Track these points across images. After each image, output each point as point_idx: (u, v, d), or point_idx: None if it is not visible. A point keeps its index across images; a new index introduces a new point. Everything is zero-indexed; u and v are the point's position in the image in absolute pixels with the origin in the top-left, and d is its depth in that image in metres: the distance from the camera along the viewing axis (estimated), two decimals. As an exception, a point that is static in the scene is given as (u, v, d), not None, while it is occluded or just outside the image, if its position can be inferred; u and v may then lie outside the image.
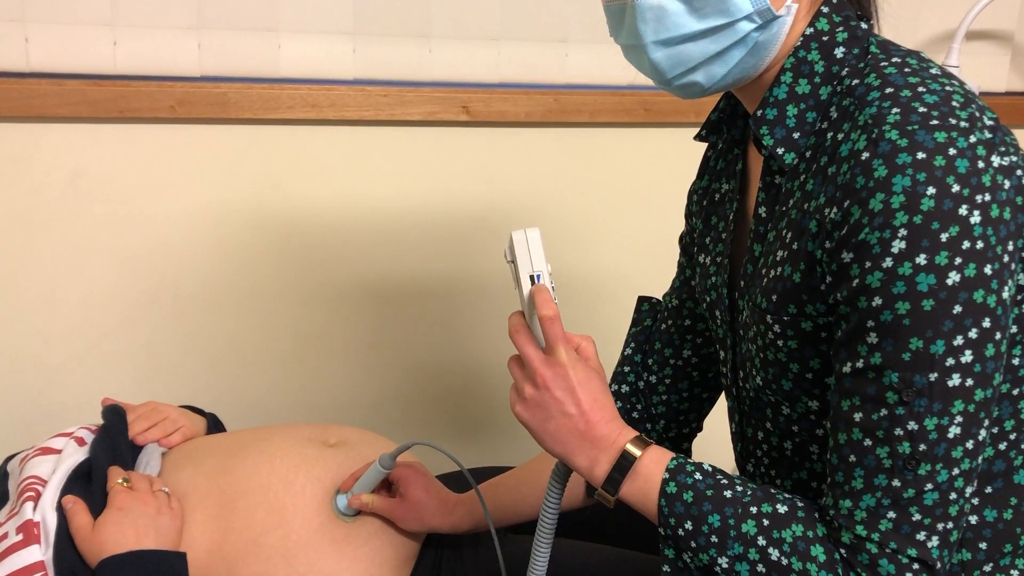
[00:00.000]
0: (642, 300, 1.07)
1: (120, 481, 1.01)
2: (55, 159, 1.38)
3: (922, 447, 0.69)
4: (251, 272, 1.51)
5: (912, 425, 0.69)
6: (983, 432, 0.70)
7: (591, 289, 1.69)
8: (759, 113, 0.79)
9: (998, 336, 0.69)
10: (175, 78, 1.39)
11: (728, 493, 0.76)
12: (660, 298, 1.07)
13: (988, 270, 0.68)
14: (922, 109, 0.69)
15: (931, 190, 0.66)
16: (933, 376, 0.68)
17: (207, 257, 1.48)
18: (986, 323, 0.68)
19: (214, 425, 1.29)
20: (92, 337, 1.47)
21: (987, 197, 0.67)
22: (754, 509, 0.75)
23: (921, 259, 0.67)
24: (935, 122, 0.68)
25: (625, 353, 1.06)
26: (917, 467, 0.69)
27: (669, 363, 1.02)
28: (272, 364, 1.57)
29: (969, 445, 0.70)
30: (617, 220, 1.67)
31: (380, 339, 1.61)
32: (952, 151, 0.67)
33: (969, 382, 0.68)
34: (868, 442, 0.71)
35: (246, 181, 1.47)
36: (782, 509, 0.75)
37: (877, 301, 0.69)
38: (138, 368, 1.50)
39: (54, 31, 1.34)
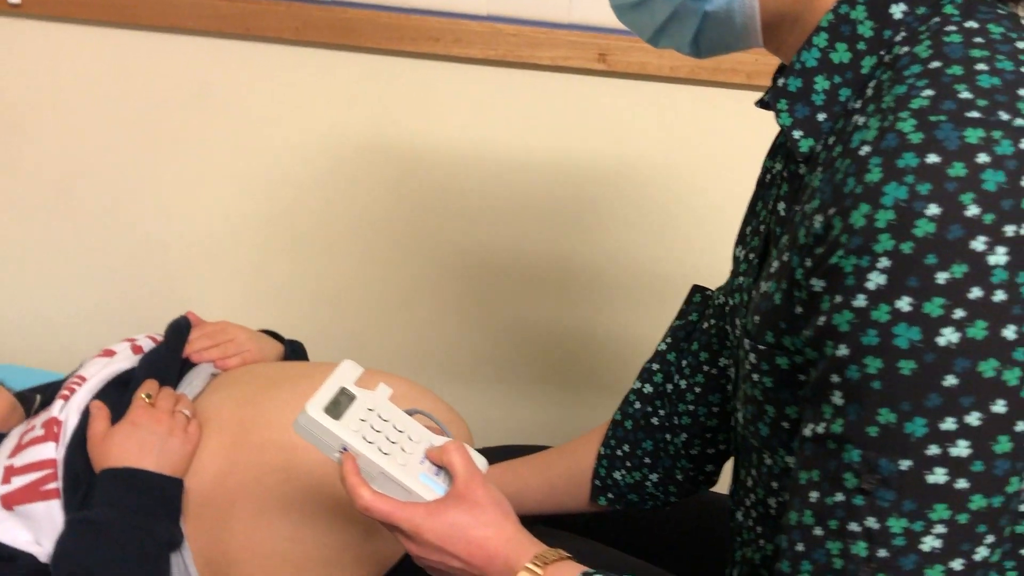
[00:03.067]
0: (695, 290, 0.91)
1: (143, 396, 1.01)
2: (183, 71, 1.41)
3: (882, 553, 0.51)
4: (362, 208, 1.48)
5: (871, 522, 0.52)
6: (983, 550, 0.51)
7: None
8: (780, 82, 0.62)
9: (1021, 427, 0.49)
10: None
11: None
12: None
13: (1010, 333, 0.48)
14: (965, 95, 0.50)
15: (932, 209, 0.48)
16: (905, 464, 0.50)
17: (321, 186, 1.47)
18: (998, 407, 0.49)
19: (293, 353, 1.27)
20: (208, 250, 1.51)
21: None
22: None
23: (904, 303, 0.49)
24: (974, 114, 0.49)
25: (659, 348, 0.91)
26: None
27: (702, 369, 0.86)
28: (375, 305, 1.54)
29: (956, 566, 0.51)
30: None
31: (487, 294, 1.53)
32: (984, 158, 0.48)
33: (962, 484, 0.50)
34: (819, 531, 0.54)
35: (364, 112, 1.43)
36: None
37: (843, 351, 0.52)
38: (247, 287, 1.53)
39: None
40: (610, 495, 0.91)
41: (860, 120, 0.55)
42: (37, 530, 0.94)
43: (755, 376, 0.63)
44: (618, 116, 1.42)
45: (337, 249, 1.50)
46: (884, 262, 0.49)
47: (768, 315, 0.61)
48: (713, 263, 1.48)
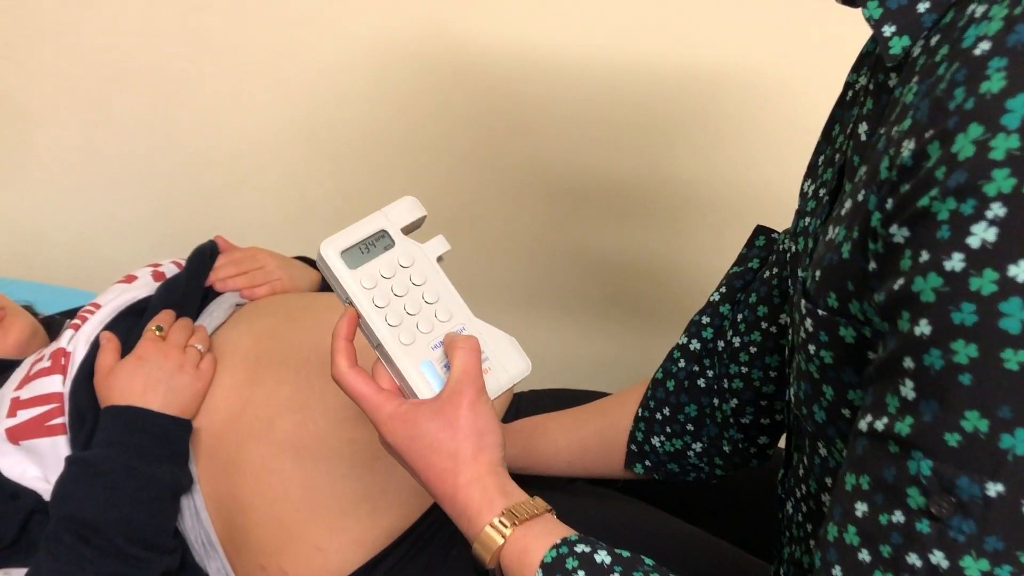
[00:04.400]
0: (758, 232, 0.77)
1: (154, 328, 0.94)
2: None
3: None
4: (409, 121, 1.37)
5: (938, 557, 0.39)
6: None
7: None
8: None
9: None
10: None
11: None
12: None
13: None
14: None
15: None
16: (995, 489, 0.38)
17: (366, 97, 1.36)
18: None
19: (332, 282, 1.19)
20: (250, 165, 1.43)
21: None
22: None
23: (1020, 271, 0.36)
24: None
25: (712, 298, 0.78)
26: None
27: (760, 326, 0.73)
28: (425, 227, 1.44)
29: None
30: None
31: (545, 215, 1.41)
32: None
33: None
34: (865, 556, 0.42)
35: (411, 16, 1.31)
36: None
37: (924, 328, 0.39)
38: (290, 205, 1.45)
39: None
40: (647, 462, 0.80)
41: (978, 9, 0.41)
42: (45, 466, 0.90)
43: (811, 347, 0.50)
44: (693, 18, 1.26)
45: (384, 165, 1.41)
46: (997, 210, 0.36)
47: (832, 271, 0.48)
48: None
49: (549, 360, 1.45)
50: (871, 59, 0.58)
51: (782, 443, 0.77)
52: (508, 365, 0.67)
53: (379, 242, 0.66)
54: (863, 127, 0.51)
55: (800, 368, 0.53)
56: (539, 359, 1.44)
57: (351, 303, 0.65)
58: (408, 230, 0.69)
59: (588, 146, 1.35)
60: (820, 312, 0.49)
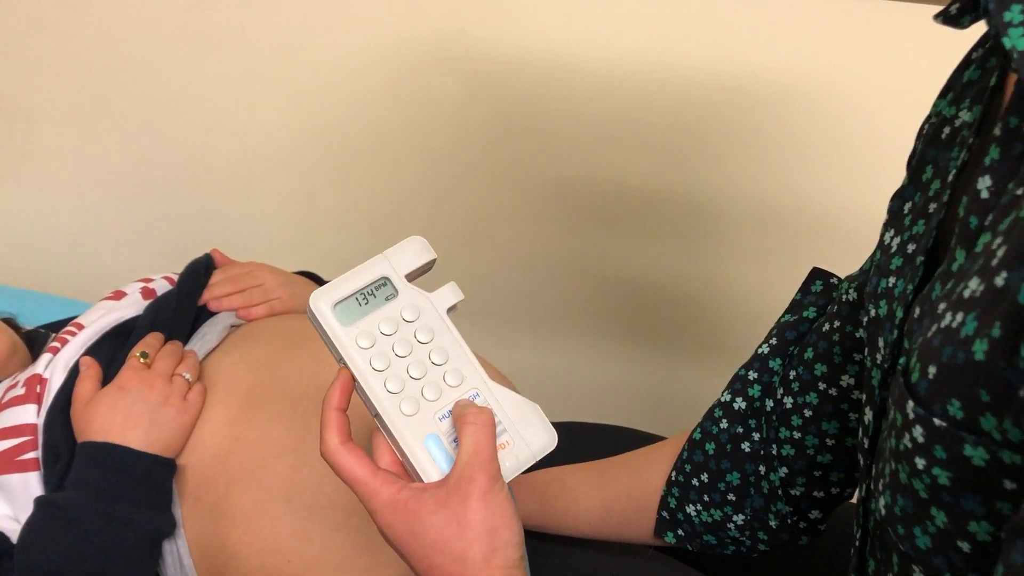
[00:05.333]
0: (814, 276, 0.68)
1: (138, 355, 0.86)
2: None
3: None
4: (424, 128, 1.29)
5: None
6: None
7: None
8: None
9: None
10: None
11: None
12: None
13: None
14: None
15: None
16: None
17: (377, 101, 1.28)
18: None
19: (337, 300, 1.11)
20: (255, 172, 1.36)
21: None
22: None
23: None
24: None
25: (760, 351, 0.69)
26: None
27: (816, 386, 0.64)
28: (437, 240, 1.35)
29: None
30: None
31: (567, 230, 1.33)
32: None
33: None
34: None
35: (428, 17, 1.22)
36: None
37: None
38: (297, 213, 1.37)
39: None
40: (680, 532, 0.71)
41: None
42: (16, 505, 0.82)
43: (919, 461, 0.41)
44: (735, 23, 1.17)
45: (396, 174, 1.33)
46: None
47: (957, 372, 0.39)
48: (860, 215, 1.22)
49: (567, 388, 1.36)
50: (976, 91, 0.49)
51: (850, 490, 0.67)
52: (529, 438, 0.58)
53: (379, 292, 0.58)
54: (985, 182, 0.42)
55: (899, 480, 0.43)
56: (556, 387, 1.37)
57: (345, 365, 0.56)
58: (414, 276, 0.60)
59: (618, 158, 1.26)
60: (937, 422, 0.39)
